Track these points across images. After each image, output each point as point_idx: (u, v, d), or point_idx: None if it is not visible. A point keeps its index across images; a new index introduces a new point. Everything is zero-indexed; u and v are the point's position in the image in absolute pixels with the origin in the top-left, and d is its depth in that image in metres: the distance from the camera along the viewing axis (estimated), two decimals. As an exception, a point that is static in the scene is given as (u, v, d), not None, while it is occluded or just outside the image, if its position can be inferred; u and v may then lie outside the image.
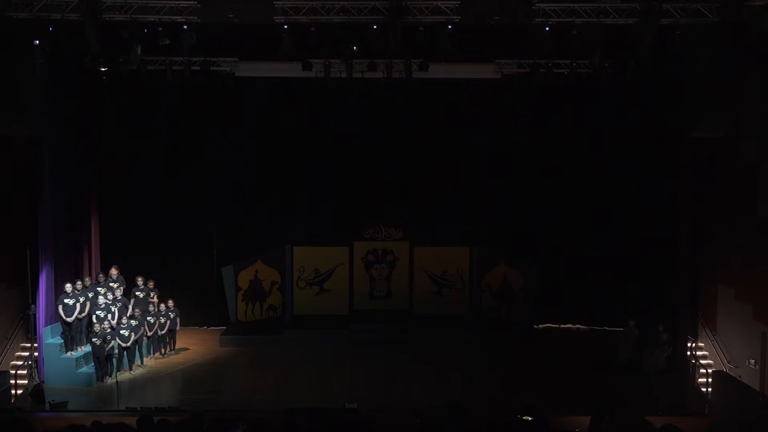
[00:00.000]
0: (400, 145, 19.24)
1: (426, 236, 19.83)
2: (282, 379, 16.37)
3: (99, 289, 16.46)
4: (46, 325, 15.73)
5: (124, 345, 16.06)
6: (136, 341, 16.37)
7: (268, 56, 15.97)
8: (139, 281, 17.41)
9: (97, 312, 15.89)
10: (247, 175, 19.48)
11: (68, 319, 15.73)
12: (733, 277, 16.53)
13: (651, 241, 17.81)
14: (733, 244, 16.40)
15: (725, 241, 16.82)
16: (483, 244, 19.79)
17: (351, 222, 19.76)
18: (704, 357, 17.05)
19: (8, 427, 7.13)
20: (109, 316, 16.08)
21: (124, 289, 17.05)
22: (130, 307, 16.87)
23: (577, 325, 20.31)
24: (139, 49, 14.42)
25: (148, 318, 17.04)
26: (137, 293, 17.33)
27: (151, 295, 17.47)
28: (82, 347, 16.05)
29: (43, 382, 15.27)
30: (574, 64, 16.56)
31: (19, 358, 16.32)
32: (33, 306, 15.81)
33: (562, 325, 20.38)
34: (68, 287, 15.82)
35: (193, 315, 19.55)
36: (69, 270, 16.78)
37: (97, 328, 15.56)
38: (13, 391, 14.76)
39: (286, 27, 13.80)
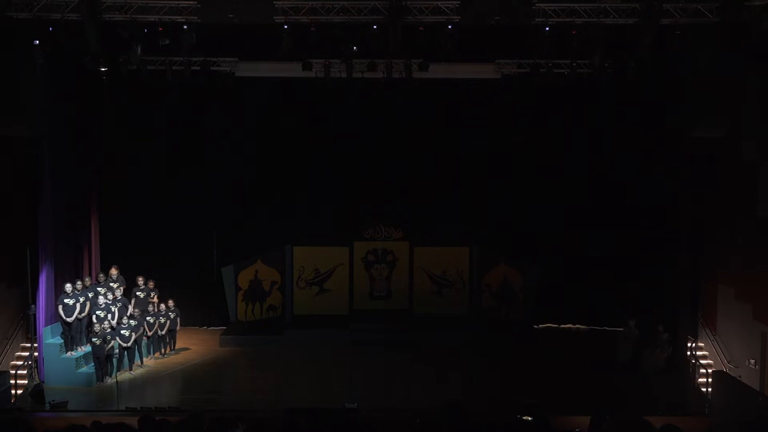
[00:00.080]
0: (400, 145, 19.24)
1: (426, 236, 19.83)
2: (282, 379, 16.37)
3: (99, 289, 16.46)
4: (46, 325, 15.73)
5: (124, 345, 16.07)
6: (136, 341, 16.37)
7: (268, 56, 15.97)
8: (140, 281, 17.42)
9: (97, 312, 15.89)
10: (247, 175, 19.48)
11: (68, 319, 15.73)
12: (733, 277, 16.53)
13: (651, 241, 17.81)
14: (733, 244, 16.40)
15: (725, 241, 16.82)
16: (483, 244, 19.80)
17: (351, 222, 19.76)
18: (704, 357, 17.05)
19: (8, 427, 7.13)
20: (109, 316, 16.09)
21: (124, 289, 17.05)
22: (131, 307, 16.87)
23: (577, 325, 20.32)
24: (139, 49, 14.42)
25: (148, 318, 17.04)
26: (138, 293, 17.34)
27: (152, 295, 17.48)
28: (82, 347, 16.06)
29: (43, 382, 15.27)
30: (574, 64, 16.56)
31: (19, 358, 16.31)
32: (33, 306, 15.81)
33: (562, 325, 20.38)
34: (68, 287, 15.82)
35: (193, 315, 19.55)
36: (69, 270, 16.78)
37: (97, 328, 15.56)
38: (13, 391, 14.76)
39: (286, 27, 13.80)
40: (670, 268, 17.03)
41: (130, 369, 16.29)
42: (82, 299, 16.04)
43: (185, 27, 13.96)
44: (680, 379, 16.18)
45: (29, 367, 15.77)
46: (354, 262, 20.01)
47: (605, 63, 15.74)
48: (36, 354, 15.81)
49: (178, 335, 18.06)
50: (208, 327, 19.95)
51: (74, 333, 15.92)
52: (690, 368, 16.41)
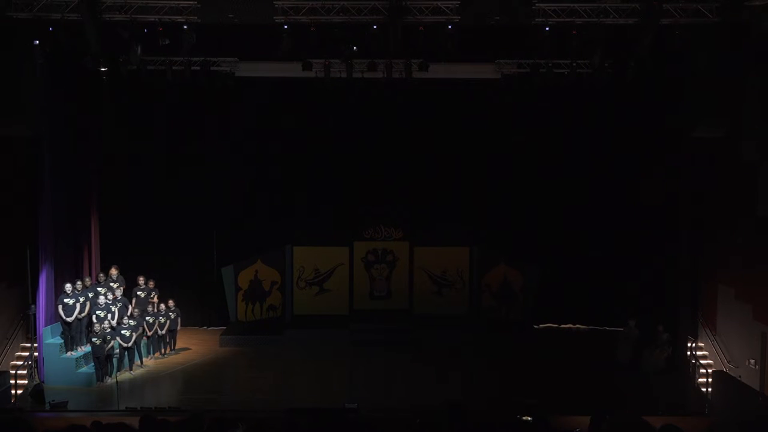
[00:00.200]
0: (400, 145, 19.24)
1: (426, 236, 19.83)
2: (282, 379, 16.37)
3: (99, 289, 16.47)
4: (46, 325, 15.73)
5: (125, 345, 16.07)
6: (136, 341, 16.37)
7: (268, 56, 15.97)
8: (140, 281, 17.42)
9: (97, 312, 15.89)
10: (247, 175, 19.49)
11: (68, 319, 15.73)
12: (733, 277, 16.53)
13: (651, 241, 17.80)
14: (733, 244, 16.40)
15: (725, 241, 16.82)
16: (483, 244, 19.80)
17: (351, 222, 19.76)
18: (704, 357, 17.05)
19: (8, 427, 7.13)
20: (109, 316, 16.09)
21: (124, 289, 17.05)
22: (131, 307, 16.87)
23: (577, 325, 20.32)
24: (139, 49, 14.42)
25: (147, 318, 17.04)
26: (138, 293, 17.35)
27: (152, 294, 17.48)
28: (82, 347, 16.06)
29: (43, 382, 15.27)
30: (574, 64, 16.56)
31: (19, 358, 16.31)
32: (33, 306, 15.81)
33: (562, 325, 20.38)
34: (68, 287, 15.82)
35: (193, 315, 19.54)
36: (69, 270, 16.78)
37: (96, 328, 15.56)
38: (13, 391, 14.76)
39: (286, 27, 13.81)
40: (670, 268, 17.03)
41: (130, 369, 16.29)
42: (82, 299, 16.04)
43: (185, 27, 13.97)
44: (680, 379, 16.18)
45: (29, 367, 15.77)
46: (354, 262, 20.01)
47: (605, 63, 15.74)
48: (36, 354, 15.81)
49: (178, 335, 18.06)
50: (208, 327, 19.95)
51: (74, 333, 15.92)
52: (690, 368, 16.41)
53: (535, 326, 19.99)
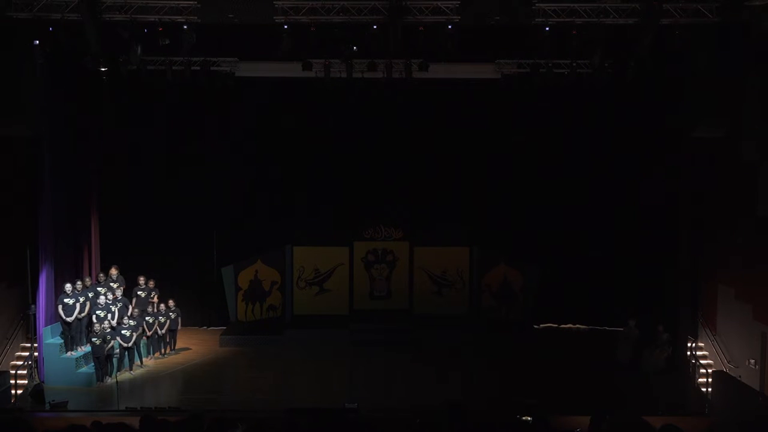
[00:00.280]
0: (400, 145, 19.24)
1: (426, 236, 19.83)
2: (282, 379, 16.37)
3: (99, 289, 16.47)
4: (46, 325, 15.73)
5: (125, 345, 16.07)
6: (136, 341, 16.37)
7: (268, 56, 15.97)
8: (141, 281, 17.42)
9: (97, 312, 15.90)
10: (247, 175, 19.48)
11: (68, 319, 15.73)
12: (733, 277, 16.53)
13: (651, 241, 17.81)
14: (733, 244, 16.40)
15: (725, 241, 16.82)
16: (483, 244, 19.79)
17: (351, 222, 19.76)
18: (704, 357, 17.04)
19: (8, 427, 7.13)
20: (109, 315, 16.09)
21: (124, 289, 17.05)
22: (131, 307, 16.87)
23: (577, 325, 20.32)
24: (139, 49, 14.42)
25: (147, 318, 17.04)
26: (138, 293, 17.35)
27: (152, 294, 17.48)
28: (82, 347, 16.06)
29: (43, 382, 15.27)
30: (574, 64, 16.56)
31: (19, 358, 16.31)
32: (33, 306, 15.81)
33: (562, 325, 20.38)
34: (68, 287, 15.82)
35: (193, 315, 19.54)
36: (69, 270, 16.79)
37: (96, 327, 15.56)
38: (13, 391, 14.77)
39: (286, 27, 13.80)
40: (670, 268, 17.03)
41: (130, 369, 16.29)
42: (81, 299, 16.04)
43: (185, 27, 13.96)
44: (680, 379, 16.18)
45: (29, 367, 15.77)
46: (354, 262, 20.01)
47: (605, 63, 15.74)
48: (36, 354, 15.81)
49: (178, 335, 18.05)
50: (208, 327, 19.95)
51: (74, 333, 15.92)
52: (690, 368, 16.41)
53: (535, 326, 20.00)
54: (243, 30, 15.26)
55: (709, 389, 15.16)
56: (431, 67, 16.56)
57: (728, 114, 15.70)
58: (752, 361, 15.39)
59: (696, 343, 17.14)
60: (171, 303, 17.69)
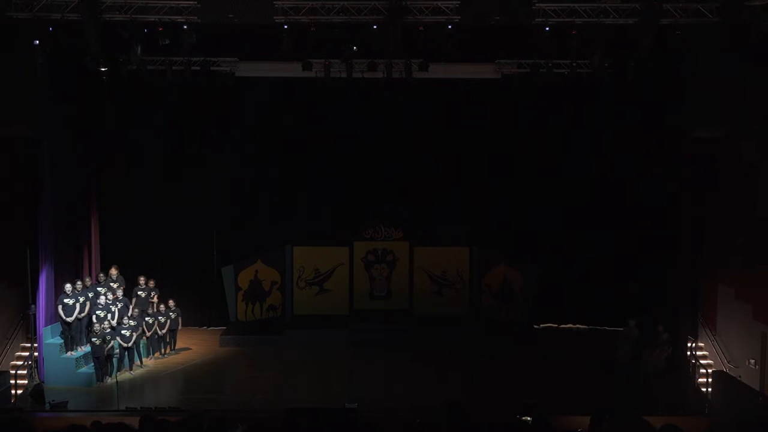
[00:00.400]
0: (400, 145, 19.24)
1: (426, 236, 19.83)
2: (282, 379, 16.37)
3: (99, 289, 16.47)
4: (46, 325, 15.72)
5: (125, 345, 16.07)
6: (135, 341, 16.37)
7: (268, 56, 15.97)
8: (141, 281, 17.41)
9: (97, 312, 15.90)
10: (247, 175, 19.48)
11: (68, 319, 15.73)
12: (733, 277, 16.53)
13: (651, 241, 17.81)
14: (733, 244, 16.40)
15: (725, 241, 16.82)
16: (483, 244, 19.79)
17: (351, 222, 19.76)
18: (704, 357, 17.05)
19: (8, 427, 7.13)
20: (109, 316, 16.09)
21: (124, 289, 17.05)
22: (131, 307, 16.87)
23: (577, 325, 20.32)
24: (139, 49, 14.41)
25: (147, 318, 17.04)
26: (139, 292, 17.34)
27: (152, 294, 17.48)
28: (82, 347, 16.06)
29: (43, 382, 15.27)
30: (574, 64, 16.56)
31: (19, 358, 16.31)
32: (33, 306, 15.81)
33: (562, 325, 20.38)
34: (68, 287, 15.82)
35: (193, 315, 19.54)
36: (69, 270, 16.79)
37: (96, 327, 15.55)
38: (13, 391, 14.77)
39: (286, 27, 13.80)
40: (670, 268, 17.04)
41: (130, 369, 16.29)
42: (81, 299, 16.04)
43: (185, 27, 13.96)
44: (680, 379, 16.18)
45: (29, 367, 15.77)
46: (354, 262, 20.01)
47: (605, 63, 15.74)
48: (36, 354, 15.81)
49: (178, 335, 18.05)
50: (208, 327, 19.95)
51: (74, 333, 15.92)
52: (690, 368, 16.41)
53: (535, 326, 19.99)
54: (243, 30, 15.26)
55: (709, 389, 15.16)
56: (431, 67, 16.56)
57: (728, 114, 15.70)
58: (752, 361, 15.40)
59: (696, 343, 17.14)
60: (171, 303, 17.69)
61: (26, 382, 15.57)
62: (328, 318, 19.52)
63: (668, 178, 17.11)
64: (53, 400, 13.94)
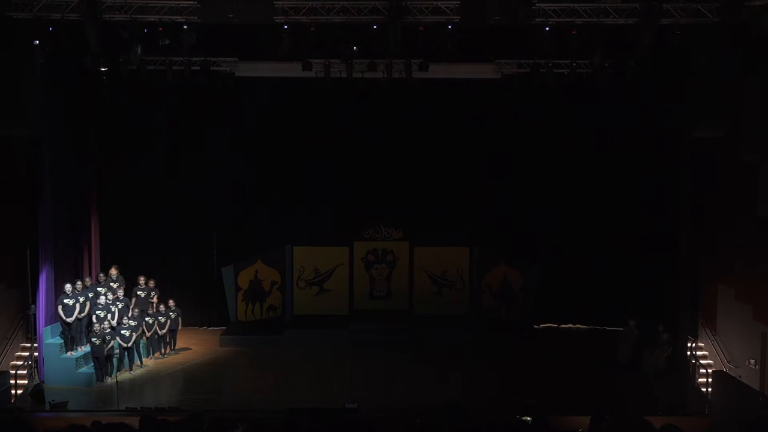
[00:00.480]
0: (399, 145, 19.25)
1: (426, 236, 19.83)
2: (282, 379, 16.37)
3: (99, 289, 16.47)
4: (46, 325, 15.72)
5: (125, 345, 16.07)
6: (135, 341, 16.37)
7: (268, 56, 15.99)
8: (141, 281, 17.41)
9: (97, 312, 15.90)
10: (247, 175, 19.47)
11: (68, 320, 15.73)
12: (733, 277, 16.53)
13: (651, 241, 17.82)
14: (733, 244, 16.40)
15: (725, 241, 16.82)
16: (483, 244, 19.79)
17: (351, 222, 19.76)
18: (704, 357, 17.04)
19: (8, 427, 7.13)
20: (109, 316, 16.09)
21: (124, 289, 17.05)
22: (131, 307, 16.87)
23: (577, 325, 20.32)
24: (139, 49, 14.42)
25: (147, 318, 17.04)
26: (138, 292, 17.34)
27: (152, 294, 17.48)
28: (82, 347, 16.06)
29: (43, 382, 15.27)
30: (574, 64, 16.56)
31: (19, 358, 16.31)
32: (33, 306, 15.81)
33: (562, 325, 20.39)
34: (68, 287, 15.82)
35: (193, 315, 19.54)
36: (69, 270, 16.78)
37: (96, 328, 15.55)
38: (13, 391, 14.76)
39: (286, 27, 13.81)
40: (670, 268, 17.03)
41: (130, 369, 16.29)
42: (81, 299, 16.04)
43: (185, 27, 13.97)
44: (680, 379, 16.18)
45: (29, 367, 15.77)
46: (354, 262, 20.01)
47: (605, 63, 15.73)
48: (36, 354, 15.81)
49: (178, 335, 18.05)
50: (208, 327, 19.95)
51: (74, 333, 15.92)
52: (690, 368, 16.41)
53: (535, 326, 20.00)
54: (243, 30, 15.23)
55: (709, 389, 15.16)
56: (431, 67, 16.56)
57: (728, 114, 15.67)
58: (752, 361, 15.40)
59: (696, 343, 17.14)
60: (171, 303, 17.69)
61: (26, 382, 15.57)
62: (328, 318, 19.52)
63: (668, 178, 17.10)
64: (53, 400, 13.94)
